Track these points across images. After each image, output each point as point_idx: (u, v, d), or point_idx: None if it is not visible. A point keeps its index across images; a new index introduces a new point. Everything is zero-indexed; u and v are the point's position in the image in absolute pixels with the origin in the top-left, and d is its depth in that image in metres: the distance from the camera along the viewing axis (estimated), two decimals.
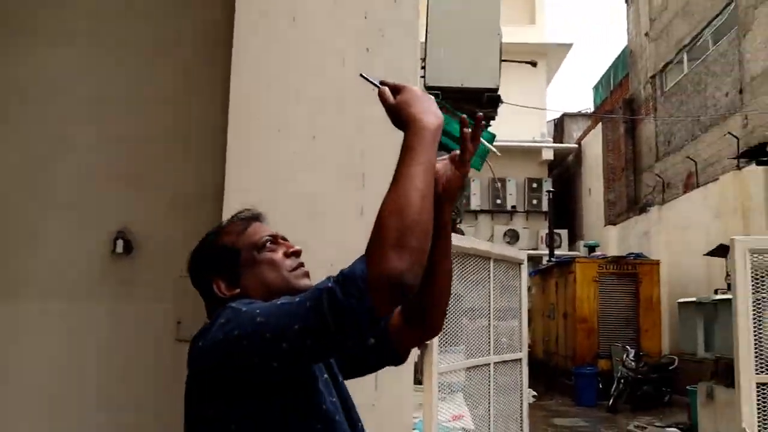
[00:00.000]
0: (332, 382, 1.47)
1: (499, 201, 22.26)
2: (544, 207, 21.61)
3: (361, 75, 1.45)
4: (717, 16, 15.03)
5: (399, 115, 1.33)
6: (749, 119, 13.22)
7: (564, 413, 13.22)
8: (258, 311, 1.26)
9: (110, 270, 3.31)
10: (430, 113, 1.32)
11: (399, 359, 1.65)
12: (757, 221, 11.79)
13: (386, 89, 1.36)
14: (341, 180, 2.74)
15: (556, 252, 19.22)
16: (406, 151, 1.28)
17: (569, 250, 21.65)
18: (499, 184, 21.33)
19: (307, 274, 1.49)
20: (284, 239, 1.53)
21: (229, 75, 2.80)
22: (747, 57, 13.51)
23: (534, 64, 20.18)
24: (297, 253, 1.50)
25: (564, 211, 23.51)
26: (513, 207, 22.30)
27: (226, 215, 2.68)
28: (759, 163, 11.20)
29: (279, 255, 1.48)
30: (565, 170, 24.91)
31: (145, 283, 3.30)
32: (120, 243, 3.30)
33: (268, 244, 1.49)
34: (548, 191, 20.95)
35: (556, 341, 16.19)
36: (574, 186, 24.02)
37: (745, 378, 3.27)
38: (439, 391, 4.06)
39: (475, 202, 21.87)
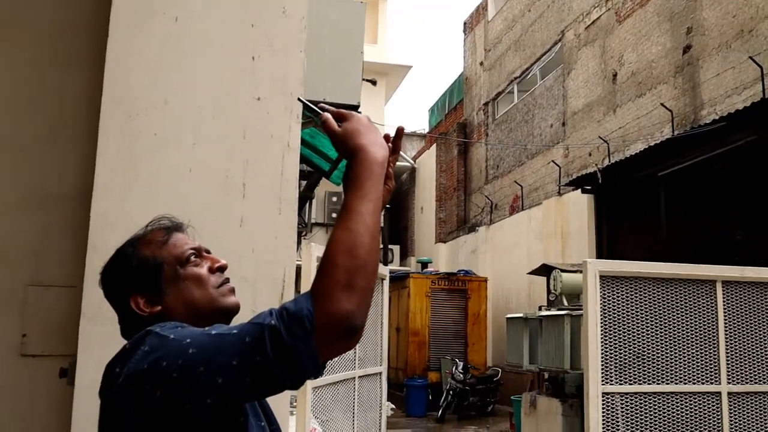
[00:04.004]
0: (258, 403, 1.40)
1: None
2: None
3: (300, 99, 1.39)
4: (545, 53, 16.28)
5: (345, 144, 1.27)
6: (570, 150, 14.42)
7: (395, 424, 13.53)
8: (189, 341, 1.14)
9: None
10: (377, 145, 1.27)
11: (319, 372, 1.61)
12: (575, 244, 12.84)
13: (329, 117, 1.30)
14: (221, 189, 2.64)
15: (389, 267, 19.70)
16: (356, 184, 1.22)
17: (401, 265, 22.32)
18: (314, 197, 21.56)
19: (232, 291, 1.40)
20: (208, 252, 1.42)
21: (100, 70, 2.62)
22: (570, 93, 14.73)
23: (374, 82, 20.73)
24: (222, 268, 1.40)
25: (397, 227, 24.25)
26: None
27: (95, 220, 2.52)
28: (584, 191, 12.28)
29: (204, 270, 1.37)
30: (399, 187, 25.69)
31: None
32: None
33: (192, 258, 1.37)
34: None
35: (388, 354, 16.55)
36: (408, 203, 24.82)
37: (593, 387, 3.56)
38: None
39: (312, 215, 21.95)
